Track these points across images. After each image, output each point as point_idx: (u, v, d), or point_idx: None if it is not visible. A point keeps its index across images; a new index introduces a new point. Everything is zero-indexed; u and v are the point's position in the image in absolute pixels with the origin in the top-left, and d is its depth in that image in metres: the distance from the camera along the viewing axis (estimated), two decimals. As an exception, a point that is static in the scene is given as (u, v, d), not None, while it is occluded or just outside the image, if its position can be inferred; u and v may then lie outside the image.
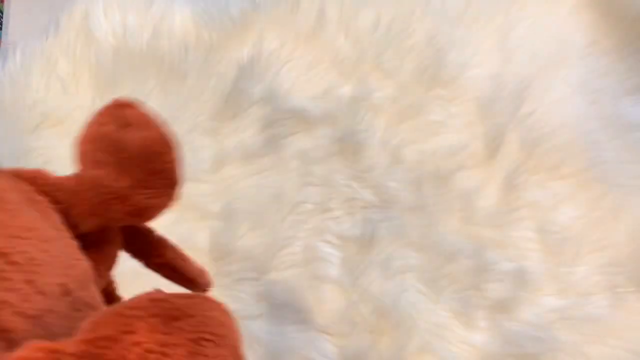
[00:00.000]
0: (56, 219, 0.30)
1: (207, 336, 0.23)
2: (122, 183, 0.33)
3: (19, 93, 0.66)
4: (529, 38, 0.71)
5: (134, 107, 0.35)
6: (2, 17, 0.72)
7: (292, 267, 0.63)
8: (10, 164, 0.64)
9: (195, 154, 0.64)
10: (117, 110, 0.35)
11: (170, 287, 0.31)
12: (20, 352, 0.21)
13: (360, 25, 0.70)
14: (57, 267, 0.26)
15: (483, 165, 0.66)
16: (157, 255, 0.39)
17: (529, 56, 0.70)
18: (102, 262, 0.35)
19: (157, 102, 0.65)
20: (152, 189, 0.35)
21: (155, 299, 0.24)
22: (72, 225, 0.31)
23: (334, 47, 0.70)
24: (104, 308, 0.26)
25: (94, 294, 0.29)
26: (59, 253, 0.27)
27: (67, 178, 0.33)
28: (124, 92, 0.66)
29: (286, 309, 0.60)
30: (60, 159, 0.64)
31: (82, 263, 0.29)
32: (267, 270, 0.62)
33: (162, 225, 0.38)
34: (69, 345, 0.21)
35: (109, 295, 0.38)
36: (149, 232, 0.40)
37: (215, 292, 0.37)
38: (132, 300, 0.24)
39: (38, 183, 0.31)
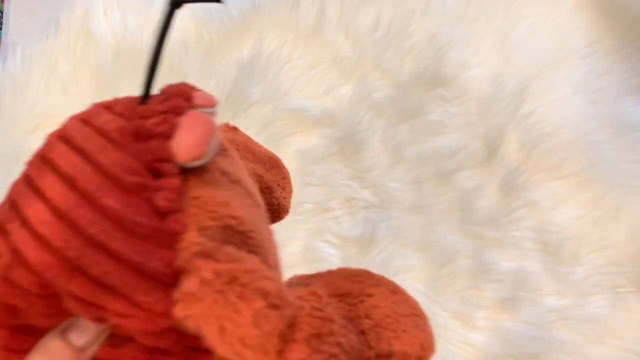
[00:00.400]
0: None
1: (418, 312, 0.26)
2: (269, 177, 0.35)
3: (19, 93, 0.66)
4: (529, 38, 0.71)
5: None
6: (2, 17, 0.72)
7: (292, 267, 0.63)
8: (10, 164, 0.64)
9: (195, 154, 0.64)
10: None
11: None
12: (299, 292, 0.23)
13: (360, 25, 0.70)
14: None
15: (483, 165, 0.66)
16: None
17: (529, 56, 0.70)
18: None
19: (157, 102, 0.65)
20: (285, 191, 0.36)
21: (370, 272, 0.26)
22: None
23: (334, 47, 0.70)
24: (321, 272, 0.27)
25: None
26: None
27: None
28: (124, 92, 0.66)
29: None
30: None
31: None
32: (267, 270, 0.62)
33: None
34: (321, 292, 0.24)
35: None
36: None
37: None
38: (345, 269, 0.27)
39: None
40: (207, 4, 0.32)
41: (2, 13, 0.72)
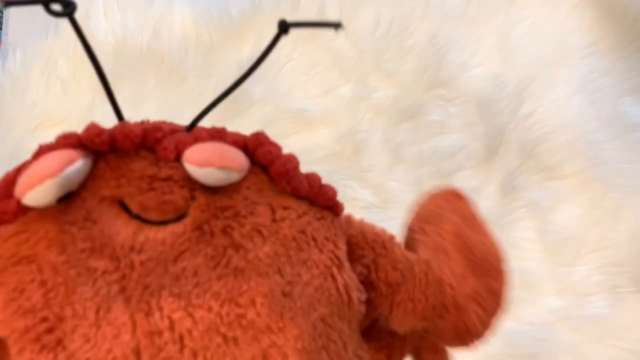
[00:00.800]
0: None
1: None
2: (467, 285, 0.28)
3: (19, 93, 0.66)
4: (529, 38, 0.71)
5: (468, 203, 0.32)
6: (2, 17, 0.72)
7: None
8: (10, 164, 0.64)
9: (195, 154, 0.64)
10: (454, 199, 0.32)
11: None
12: None
13: (360, 25, 0.70)
14: None
15: (483, 165, 0.66)
16: None
17: (529, 56, 0.70)
18: None
19: (157, 102, 0.65)
20: (487, 305, 0.29)
21: None
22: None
23: (334, 47, 0.70)
24: None
25: None
26: None
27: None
28: (124, 92, 0.66)
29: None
30: (60, 159, 0.64)
31: None
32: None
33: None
34: None
35: None
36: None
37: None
38: None
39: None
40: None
41: (2, 13, 0.72)
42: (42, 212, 0.22)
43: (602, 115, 0.68)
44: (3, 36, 0.72)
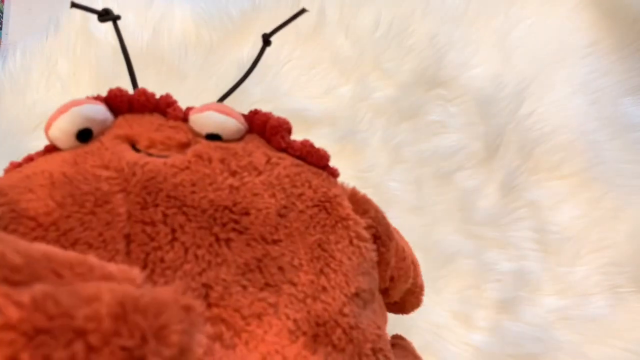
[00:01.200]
0: None
1: None
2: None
3: (19, 93, 0.66)
4: (529, 38, 0.71)
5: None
6: (2, 17, 0.72)
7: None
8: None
9: (195, 154, 0.64)
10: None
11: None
12: None
13: (360, 25, 0.70)
14: None
15: (483, 165, 0.66)
16: None
17: (529, 56, 0.70)
18: None
19: (157, 102, 0.65)
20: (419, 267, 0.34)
21: None
22: None
23: (334, 47, 0.70)
24: None
25: None
26: None
27: None
28: (124, 92, 0.66)
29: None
30: (60, 159, 0.64)
31: None
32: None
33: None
34: None
35: None
36: None
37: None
38: None
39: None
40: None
41: (2, 13, 0.73)
42: (64, 151, 0.25)
43: (602, 115, 0.68)
44: (3, 36, 0.72)
